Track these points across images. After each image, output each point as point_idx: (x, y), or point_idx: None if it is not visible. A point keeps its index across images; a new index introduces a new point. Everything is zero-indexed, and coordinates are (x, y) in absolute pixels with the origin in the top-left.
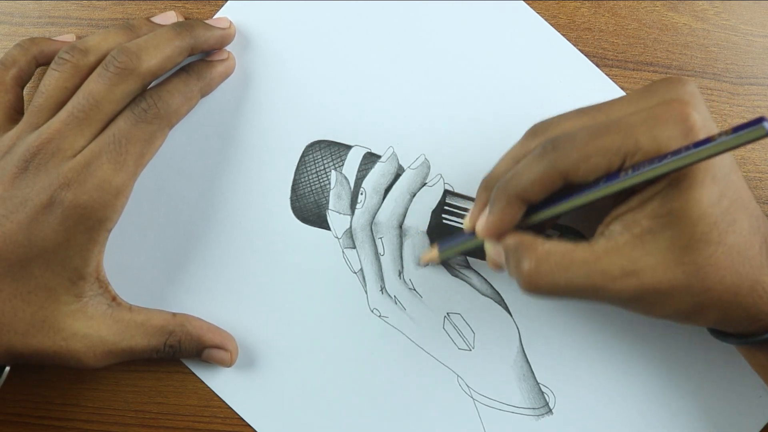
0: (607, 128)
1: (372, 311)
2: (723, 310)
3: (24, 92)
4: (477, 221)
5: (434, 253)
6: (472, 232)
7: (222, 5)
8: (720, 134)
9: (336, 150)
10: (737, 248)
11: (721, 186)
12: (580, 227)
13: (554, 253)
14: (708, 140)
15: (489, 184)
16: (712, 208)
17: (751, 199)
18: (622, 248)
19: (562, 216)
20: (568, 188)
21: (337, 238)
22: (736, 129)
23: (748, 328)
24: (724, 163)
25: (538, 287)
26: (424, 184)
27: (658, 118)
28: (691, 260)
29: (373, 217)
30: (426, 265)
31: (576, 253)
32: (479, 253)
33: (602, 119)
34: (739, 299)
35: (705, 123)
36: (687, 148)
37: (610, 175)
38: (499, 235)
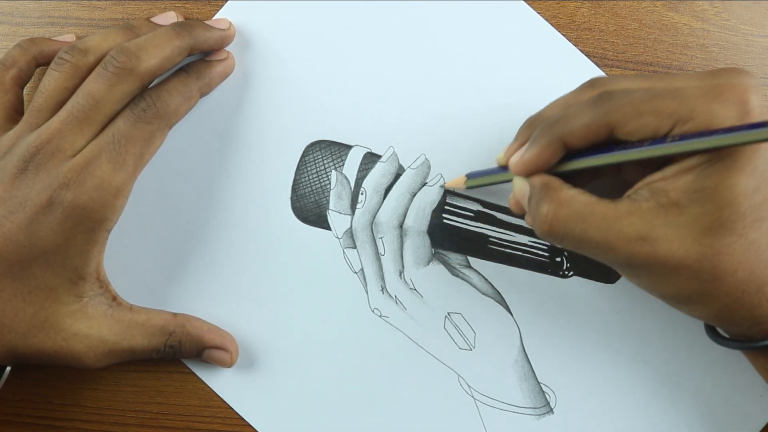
0: (666, 92)
1: (373, 311)
2: (726, 304)
3: (24, 92)
4: (513, 156)
5: (461, 179)
6: (504, 167)
7: (222, 5)
8: None
9: (336, 150)
10: (756, 246)
11: (760, 180)
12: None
13: (576, 200)
14: (763, 124)
15: (534, 122)
16: (744, 197)
17: None
18: (644, 213)
19: (588, 187)
20: (610, 145)
21: (337, 238)
22: None
23: (748, 330)
24: None
25: (552, 231)
26: (425, 184)
27: (719, 95)
28: (709, 243)
29: (374, 217)
30: (450, 189)
31: (597, 206)
32: (479, 252)
33: (662, 85)
34: (745, 297)
35: (762, 111)
36: (740, 127)
37: (656, 139)
38: (531, 173)
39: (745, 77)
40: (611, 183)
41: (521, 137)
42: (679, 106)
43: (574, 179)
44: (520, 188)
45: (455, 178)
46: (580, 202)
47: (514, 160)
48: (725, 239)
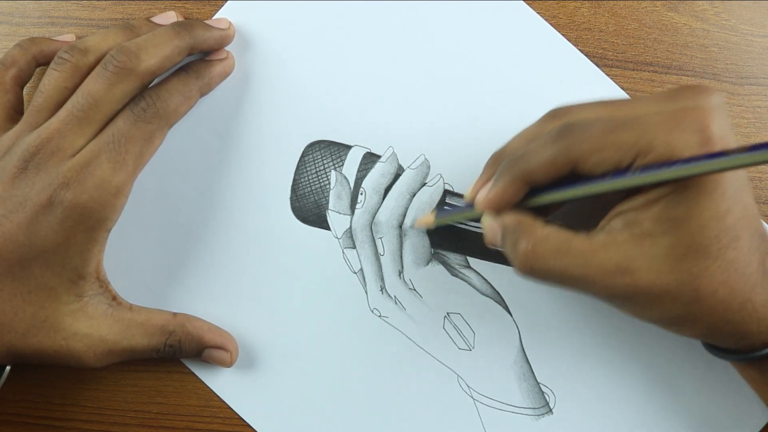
0: (625, 124)
1: (372, 311)
2: (711, 323)
3: (24, 92)
4: (479, 193)
5: (430, 218)
6: (472, 203)
7: (222, 5)
8: (735, 150)
9: (336, 150)
10: (735, 264)
11: (730, 202)
12: (575, 226)
13: (552, 238)
14: (722, 154)
15: (498, 158)
16: (715, 221)
17: (756, 216)
18: (620, 245)
19: (561, 211)
20: (573, 178)
21: (337, 238)
22: (754, 147)
23: (736, 344)
24: (737, 177)
25: (532, 269)
26: (424, 184)
27: (677, 123)
28: (686, 269)
29: (373, 217)
30: (419, 228)
31: (574, 242)
32: (478, 252)
33: (621, 114)
34: (728, 315)
35: (723, 135)
36: (699, 158)
37: (619, 171)
38: (497, 210)
39: (705, 98)
40: (581, 204)
41: (486, 173)
42: (639, 137)
43: (544, 206)
44: (489, 225)
45: (424, 217)
46: (555, 239)
47: (480, 198)
48: (701, 263)
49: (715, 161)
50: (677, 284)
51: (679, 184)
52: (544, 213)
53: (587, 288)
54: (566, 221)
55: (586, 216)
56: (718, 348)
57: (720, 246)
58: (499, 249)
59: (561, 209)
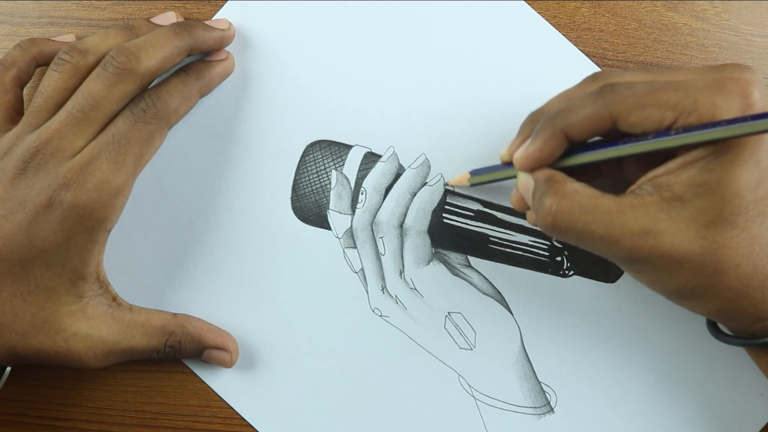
0: (669, 84)
1: (373, 311)
2: (729, 299)
3: (24, 92)
4: (517, 151)
5: (465, 176)
6: (508, 163)
7: (221, 5)
8: None
9: (336, 150)
10: (759, 240)
11: (763, 173)
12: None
13: (580, 194)
14: (766, 115)
15: (536, 117)
16: (747, 191)
17: None
18: (647, 207)
19: (593, 184)
20: (613, 140)
21: (337, 237)
22: None
23: (751, 326)
24: None
25: (556, 224)
26: (425, 184)
27: (722, 87)
28: (712, 237)
29: (374, 217)
30: (452, 187)
31: (601, 200)
32: (479, 252)
33: (665, 78)
34: (749, 291)
35: (765, 104)
36: (744, 118)
37: (659, 132)
38: (535, 168)
39: (748, 72)
40: (613, 182)
41: (524, 133)
42: (683, 98)
43: (576, 177)
44: (524, 183)
45: (458, 176)
46: (583, 195)
47: (518, 155)
48: (728, 233)
49: (759, 122)
50: (701, 251)
51: (716, 148)
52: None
53: (609, 248)
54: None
55: (616, 184)
56: (728, 335)
57: (747, 218)
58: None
59: (591, 183)
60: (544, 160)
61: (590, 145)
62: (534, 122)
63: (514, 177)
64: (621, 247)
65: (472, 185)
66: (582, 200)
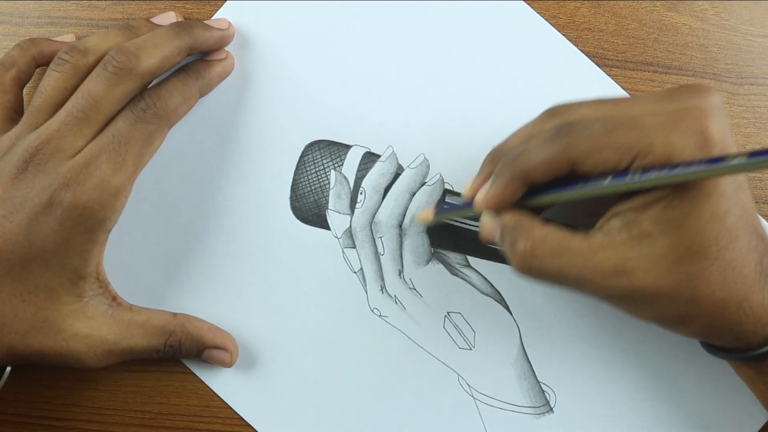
0: (624, 124)
1: (372, 311)
2: (708, 323)
3: (24, 92)
4: (477, 192)
5: (429, 213)
6: (470, 202)
7: (221, 5)
8: (734, 155)
9: (335, 150)
10: (733, 265)
11: (729, 203)
12: (572, 221)
13: (550, 238)
14: (721, 159)
15: (496, 156)
16: (714, 222)
17: (755, 215)
18: (618, 246)
19: (559, 207)
20: (572, 178)
21: (336, 237)
22: (753, 154)
23: (732, 344)
24: (736, 178)
25: (529, 269)
26: (424, 184)
27: (677, 124)
28: (684, 270)
29: (373, 217)
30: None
31: (572, 242)
32: (478, 251)
33: (620, 114)
34: (725, 315)
35: (723, 137)
36: (699, 162)
37: (618, 173)
38: (496, 209)
39: (704, 98)
40: (579, 201)
41: (484, 171)
42: (638, 138)
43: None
44: (488, 225)
45: (423, 212)
46: (554, 239)
47: (479, 197)
48: (701, 264)
49: (714, 167)
50: (674, 285)
51: (678, 185)
52: (540, 208)
53: (585, 288)
54: (563, 217)
55: (583, 212)
56: (715, 347)
57: (719, 247)
58: (497, 247)
59: (558, 205)
60: (504, 202)
61: (550, 185)
62: (494, 161)
63: (478, 215)
64: (595, 287)
65: (436, 225)
66: (553, 244)
